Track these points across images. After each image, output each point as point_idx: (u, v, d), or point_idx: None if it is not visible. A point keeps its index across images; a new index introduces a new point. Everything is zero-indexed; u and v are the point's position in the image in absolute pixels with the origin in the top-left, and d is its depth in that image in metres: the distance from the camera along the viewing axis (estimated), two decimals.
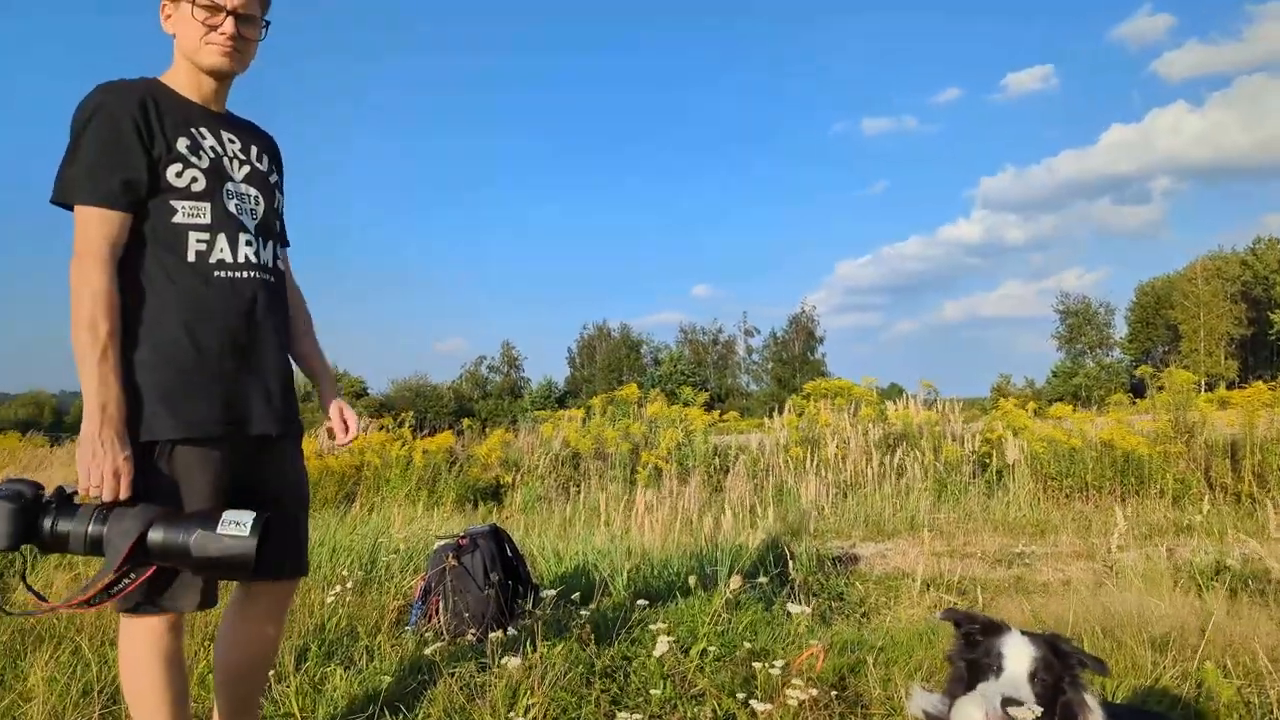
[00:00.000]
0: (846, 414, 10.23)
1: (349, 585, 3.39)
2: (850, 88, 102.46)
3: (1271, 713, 1.78)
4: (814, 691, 2.03)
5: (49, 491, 1.58)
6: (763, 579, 3.62)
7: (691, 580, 3.25)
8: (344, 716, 2.38)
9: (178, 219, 1.75)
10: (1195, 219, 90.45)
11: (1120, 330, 62.77)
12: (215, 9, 1.79)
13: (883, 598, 5.33)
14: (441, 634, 3.08)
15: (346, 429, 2.08)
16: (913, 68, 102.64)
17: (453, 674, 2.57)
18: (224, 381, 1.75)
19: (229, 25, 1.81)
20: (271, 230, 1.93)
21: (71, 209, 1.68)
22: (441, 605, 3.17)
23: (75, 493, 1.60)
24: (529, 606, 3.38)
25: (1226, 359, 54.03)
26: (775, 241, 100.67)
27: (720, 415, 12.07)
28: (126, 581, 1.55)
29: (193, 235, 1.76)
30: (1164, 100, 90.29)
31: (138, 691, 1.73)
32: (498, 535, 3.52)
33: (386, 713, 2.35)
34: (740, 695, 2.24)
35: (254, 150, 1.93)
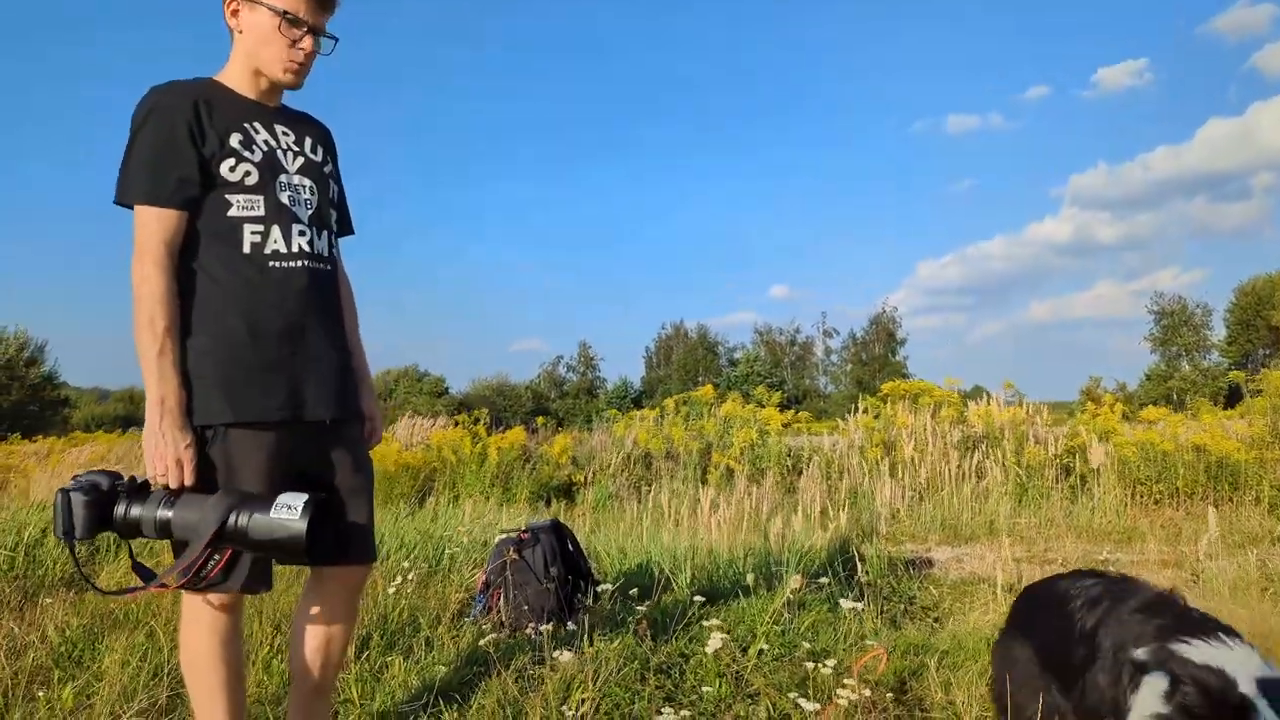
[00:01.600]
0: (926, 415, 9.98)
1: (410, 577, 3.49)
2: (933, 85, 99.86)
3: None
4: (867, 692, 2.00)
5: (125, 482, 1.68)
6: (825, 579, 3.57)
7: (750, 578, 3.22)
8: (401, 704, 2.44)
9: (233, 212, 1.81)
10: None
11: (1219, 332, 59.48)
12: (298, 23, 1.84)
13: (956, 603, 5.19)
14: (501, 627, 3.14)
15: (372, 433, 2.11)
16: (999, 65, 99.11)
17: (508, 666, 2.61)
18: (279, 368, 1.81)
19: (308, 43, 1.87)
20: (326, 220, 1.98)
21: (131, 208, 1.76)
22: (502, 598, 3.23)
23: (147, 482, 1.70)
24: (589, 601, 3.42)
25: None
26: (856, 242, 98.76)
27: (795, 414, 11.93)
28: (212, 564, 1.65)
29: (247, 228, 1.82)
30: (1265, 94, 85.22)
31: (195, 669, 1.81)
32: (559, 530, 3.57)
33: (441, 702, 2.41)
34: (794, 695, 2.22)
35: (308, 141, 1.98)
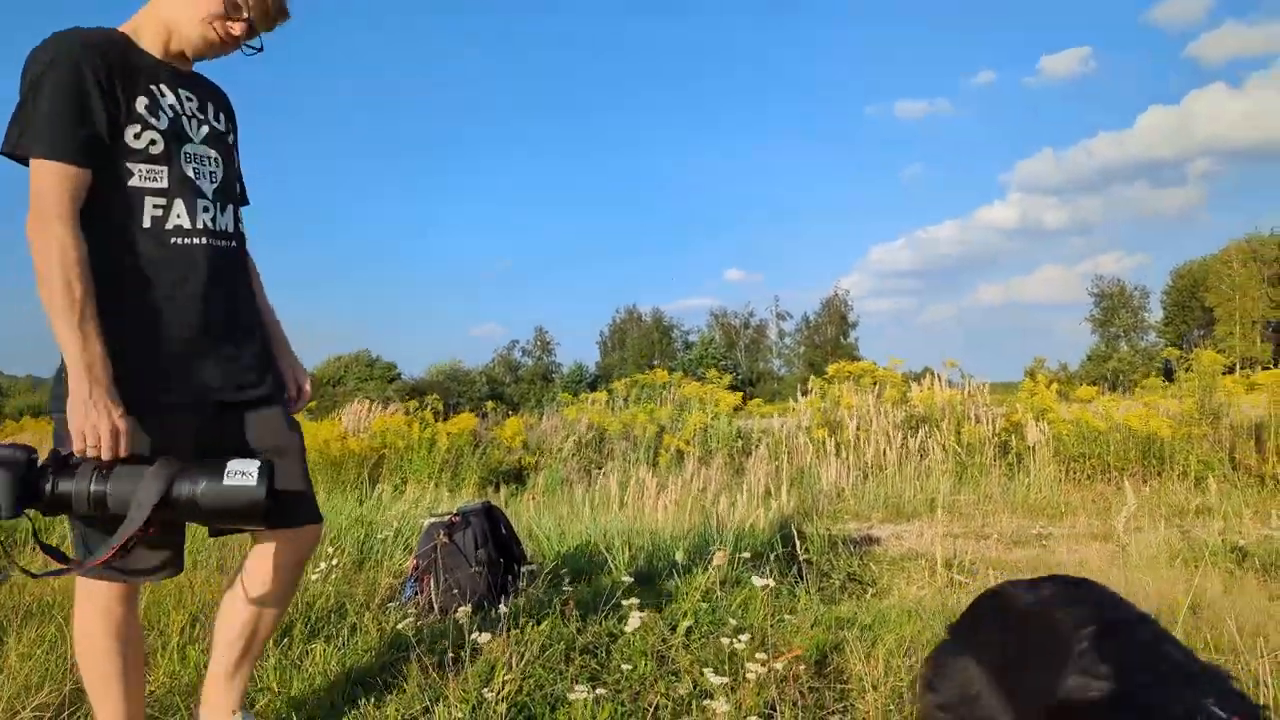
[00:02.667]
0: (870, 396, 10.13)
1: (334, 564, 3.43)
2: (882, 71, 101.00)
3: (1247, 689, 1.72)
4: (778, 665, 2.01)
5: (42, 457, 1.59)
6: (746, 554, 3.60)
7: (681, 556, 3.23)
8: (321, 691, 2.40)
9: (133, 182, 1.69)
10: (1234, 202, 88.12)
11: (1156, 314, 61.58)
12: (238, 10, 1.77)
13: (894, 578, 5.29)
14: (431, 611, 3.10)
15: (300, 393, 2.04)
16: (946, 50, 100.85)
17: (432, 650, 2.58)
18: (187, 351, 1.72)
19: (241, 30, 1.79)
20: (231, 193, 1.89)
21: (25, 163, 1.61)
22: (432, 582, 3.19)
23: (70, 454, 1.60)
24: (522, 584, 3.40)
25: (1261, 342, 52.72)
26: (808, 225, 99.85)
27: (745, 400, 12.03)
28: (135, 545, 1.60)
29: (149, 200, 1.70)
30: (1202, 82, 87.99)
31: (89, 655, 1.74)
32: (490, 513, 3.54)
33: (361, 688, 2.38)
34: (709, 670, 2.23)
35: (211, 108, 1.88)
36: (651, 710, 2.17)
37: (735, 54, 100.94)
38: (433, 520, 3.47)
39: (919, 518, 7.40)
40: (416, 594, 3.24)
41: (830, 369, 11.23)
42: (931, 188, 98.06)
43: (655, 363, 54.37)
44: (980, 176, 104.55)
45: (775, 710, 2.02)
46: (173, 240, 1.73)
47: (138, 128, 1.69)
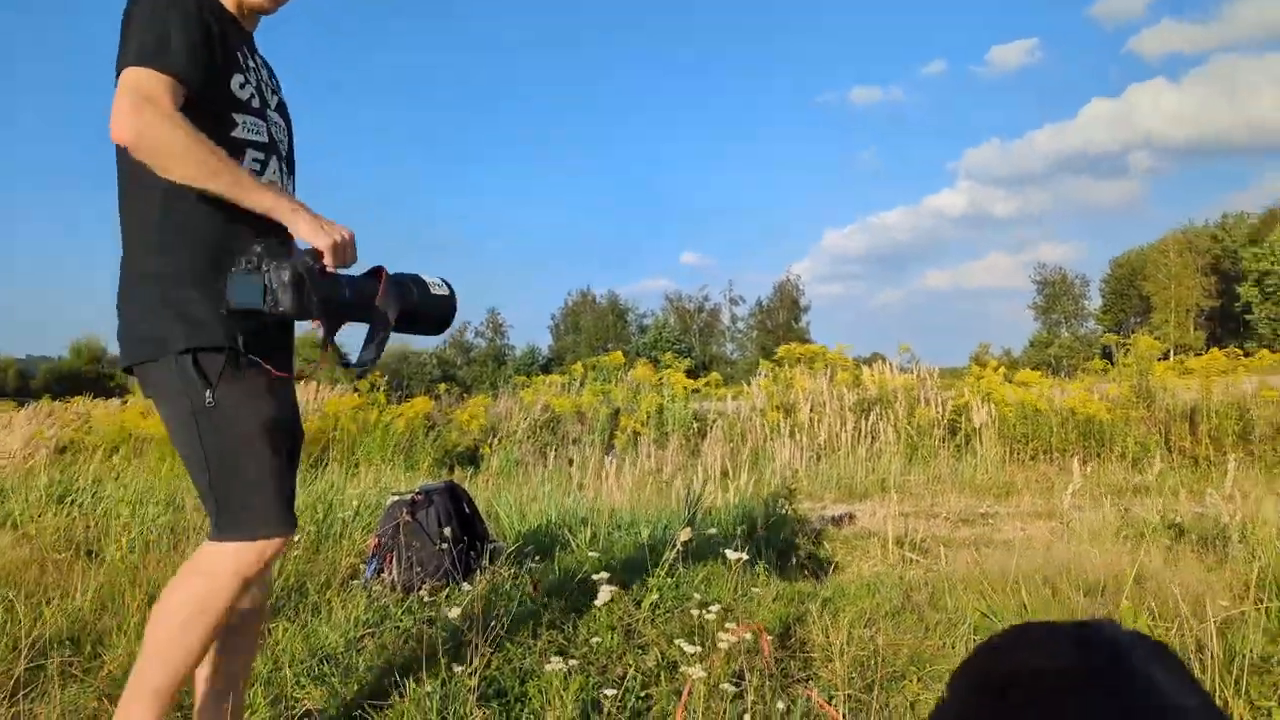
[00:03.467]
0: (823, 379, 10.29)
1: (297, 540, 3.40)
2: (837, 56, 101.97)
3: (1188, 653, 1.83)
4: (747, 635, 2.06)
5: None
6: (712, 530, 3.65)
7: (645, 534, 3.27)
8: (287, 672, 2.39)
9: (237, 133, 1.60)
10: (1171, 193, 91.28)
11: (1095, 301, 63.57)
12: None
13: (848, 556, 5.41)
14: (394, 589, 3.09)
15: None
16: (899, 38, 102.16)
17: (399, 628, 2.58)
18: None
19: None
20: (294, 167, 1.83)
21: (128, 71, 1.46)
22: (394, 561, 3.18)
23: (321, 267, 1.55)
24: (484, 562, 3.41)
25: (1195, 329, 54.87)
26: (763, 210, 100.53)
27: (705, 382, 12.10)
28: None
29: (250, 153, 1.63)
30: (1142, 76, 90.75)
31: (193, 626, 1.53)
32: (453, 491, 3.53)
33: (329, 666, 2.37)
34: (680, 641, 2.27)
35: (274, 79, 1.83)
36: (621, 681, 2.20)
37: (692, 40, 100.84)
38: (395, 498, 3.45)
39: (871, 497, 7.57)
40: (379, 572, 3.23)
41: (780, 351, 11.37)
42: (883, 174, 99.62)
43: (610, 346, 54.40)
44: (930, 164, 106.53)
45: (744, 679, 2.07)
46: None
47: (241, 78, 1.63)
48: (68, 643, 2.57)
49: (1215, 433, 7.49)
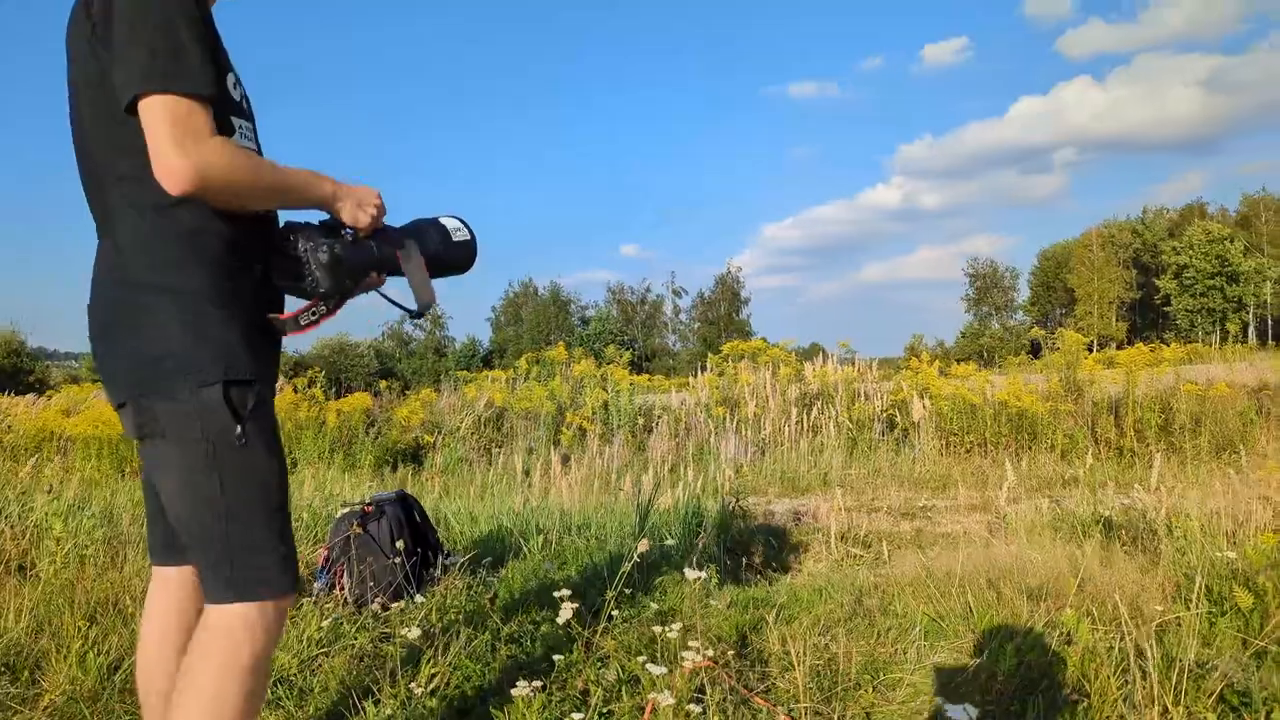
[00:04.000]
0: (766, 373, 10.42)
1: None
2: (778, 51, 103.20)
3: (1128, 658, 1.92)
4: (710, 653, 2.09)
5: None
6: (670, 541, 3.69)
7: (592, 538, 3.28)
8: None
9: (237, 139, 1.45)
10: (1094, 189, 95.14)
11: (1024, 293, 65.76)
12: None
13: (793, 554, 5.52)
14: (346, 604, 3.05)
15: None
16: (836, 35, 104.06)
17: (353, 646, 2.55)
18: (262, 330, 1.50)
19: None
20: None
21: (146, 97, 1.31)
22: (345, 574, 3.13)
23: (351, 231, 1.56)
24: (438, 573, 3.38)
25: (1117, 321, 57.26)
26: (703, 203, 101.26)
27: (648, 376, 12.16)
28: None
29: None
30: (1067, 75, 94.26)
31: (232, 705, 1.37)
32: (405, 501, 3.48)
33: (281, 688, 2.32)
34: (642, 658, 2.29)
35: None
36: (583, 698, 2.21)
37: (635, 32, 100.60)
38: (345, 510, 3.39)
39: (813, 491, 7.71)
40: (331, 587, 3.17)
41: (725, 347, 11.49)
42: (820, 169, 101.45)
43: (552, 337, 54.13)
44: (865, 159, 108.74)
45: (704, 694, 2.10)
46: (267, 213, 1.53)
47: (232, 76, 1.48)
48: (3, 669, 2.47)
49: (1139, 425, 7.82)
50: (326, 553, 3.32)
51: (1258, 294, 53.29)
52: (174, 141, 1.28)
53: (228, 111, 1.44)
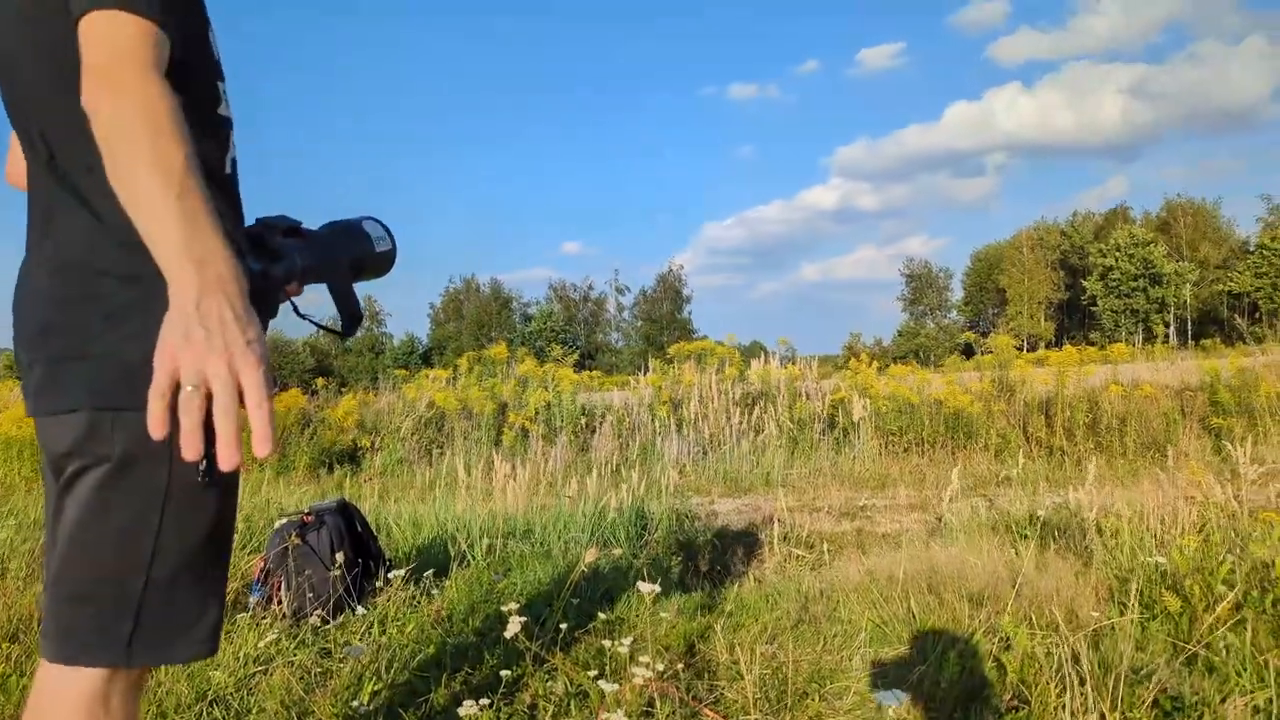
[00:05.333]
0: (710, 373, 10.48)
1: None
2: (718, 52, 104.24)
3: (1064, 664, 1.97)
4: (660, 667, 2.09)
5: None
6: (617, 551, 3.67)
7: (538, 543, 3.25)
8: (169, 714, 2.24)
9: (223, 110, 1.22)
10: (1024, 192, 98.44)
11: (957, 294, 67.68)
12: None
13: (738, 557, 5.55)
14: (283, 618, 2.96)
15: None
16: (775, 37, 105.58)
17: (291, 662, 2.47)
18: None
19: None
20: None
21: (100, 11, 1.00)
22: (283, 587, 3.04)
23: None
24: (380, 584, 3.30)
25: (1045, 320, 59.32)
26: (645, 200, 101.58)
27: (590, 374, 12.13)
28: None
29: (230, 138, 1.25)
30: (999, 81, 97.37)
31: None
32: (346, 511, 3.40)
33: (217, 709, 2.24)
34: (592, 672, 2.27)
35: None
36: (530, 712, 2.18)
37: (576, 33, 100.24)
38: (283, 521, 3.29)
39: (755, 491, 7.78)
40: (265, 600, 3.07)
41: (671, 349, 11.53)
42: (760, 169, 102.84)
43: (494, 335, 53.63)
44: (804, 160, 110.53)
45: (653, 707, 2.09)
46: (238, 196, 1.29)
47: (212, 35, 1.22)
48: None
49: (1068, 424, 8.09)
50: (263, 564, 3.22)
51: (1178, 296, 55.71)
52: (121, 59, 0.99)
53: (213, 74, 1.20)
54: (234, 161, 1.25)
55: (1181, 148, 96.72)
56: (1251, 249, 56.02)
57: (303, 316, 1.37)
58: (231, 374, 0.85)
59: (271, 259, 1.24)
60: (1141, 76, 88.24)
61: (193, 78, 1.11)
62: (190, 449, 0.85)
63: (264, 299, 1.20)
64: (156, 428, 0.85)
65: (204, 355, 0.85)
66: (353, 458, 9.81)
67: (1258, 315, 49.23)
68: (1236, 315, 43.86)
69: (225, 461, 0.87)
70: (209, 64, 1.18)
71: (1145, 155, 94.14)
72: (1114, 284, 56.62)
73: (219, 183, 1.19)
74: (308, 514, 3.30)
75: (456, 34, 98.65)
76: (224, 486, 1.18)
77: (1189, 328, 54.92)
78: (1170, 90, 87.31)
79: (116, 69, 0.97)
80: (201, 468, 0.98)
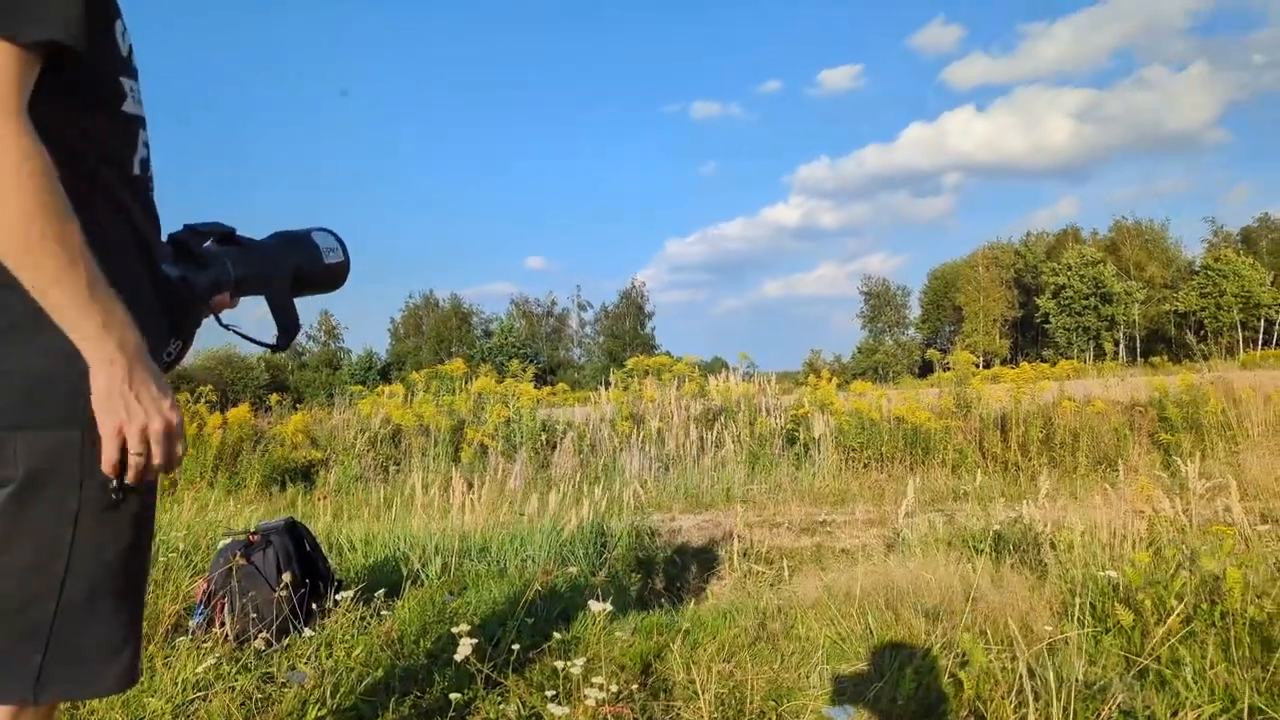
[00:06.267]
0: (671, 389, 10.46)
1: None
2: (680, 71, 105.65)
3: (1019, 679, 1.97)
4: (614, 688, 2.04)
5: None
6: (574, 569, 3.62)
7: (495, 563, 3.19)
8: None
9: (128, 107, 1.12)
10: (979, 212, 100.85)
11: (915, 311, 68.78)
12: None
13: (698, 573, 5.53)
14: (226, 641, 2.85)
15: None
16: (737, 56, 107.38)
17: (232, 688, 2.38)
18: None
19: None
20: None
21: None
22: (226, 609, 2.93)
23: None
24: (329, 605, 3.20)
25: (1000, 338, 60.53)
26: (609, 216, 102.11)
27: (551, 390, 12.03)
28: None
29: (140, 136, 1.16)
30: (954, 104, 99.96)
31: None
32: (295, 530, 3.30)
33: None
34: (547, 693, 2.22)
35: None
36: None
37: (539, 47, 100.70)
38: (228, 540, 3.18)
39: (716, 507, 7.76)
40: (209, 623, 2.96)
41: (629, 363, 11.50)
42: (723, 186, 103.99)
43: (454, 350, 53.20)
44: (766, 178, 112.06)
45: None
46: (154, 199, 1.21)
47: (121, 25, 1.12)
48: None
49: (1023, 440, 8.20)
50: (206, 585, 3.10)
51: (1127, 314, 57.17)
52: None
53: (117, 69, 1.11)
54: (144, 161, 1.18)
55: (1130, 170, 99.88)
56: (1197, 270, 57.77)
57: (225, 326, 1.33)
58: (166, 432, 1.04)
59: (197, 266, 1.19)
60: (1090, 101, 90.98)
61: (96, 75, 1.07)
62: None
63: (186, 309, 1.16)
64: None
65: (145, 425, 1.02)
66: (306, 475, 9.61)
67: (1203, 334, 50.75)
68: (1188, 333, 45.21)
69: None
70: (114, 59, 1.10)
71: (1095, 177, 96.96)
72: (1066, 302, 57.92)
73: (128, 182, 1.15)
74: (254, 534, 3.20)
75: (426, 39, 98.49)
76: (138, 515, 1.12)
77: (1138, 345, 56.38)
78: (1118, 114, 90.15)
79: None
80: (114, 485, 1.05)
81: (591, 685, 1.93)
